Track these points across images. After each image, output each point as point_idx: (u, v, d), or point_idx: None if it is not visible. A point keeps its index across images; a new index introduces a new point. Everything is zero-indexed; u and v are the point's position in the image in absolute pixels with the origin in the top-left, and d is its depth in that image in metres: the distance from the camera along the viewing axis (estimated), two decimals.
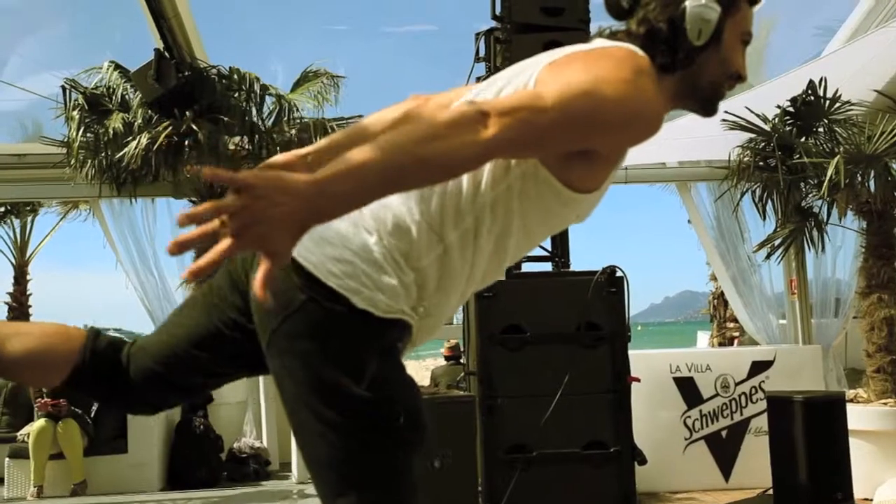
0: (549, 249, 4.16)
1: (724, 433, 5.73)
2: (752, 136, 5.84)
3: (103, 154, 6.38)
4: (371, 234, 1.46)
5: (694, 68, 1.54)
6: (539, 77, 1.46)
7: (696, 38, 1.50)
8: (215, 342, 1.63)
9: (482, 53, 3.91)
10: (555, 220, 1.58)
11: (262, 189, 1.10)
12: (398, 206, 1.47)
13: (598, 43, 1.57)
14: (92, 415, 6.35)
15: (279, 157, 1.75)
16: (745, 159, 5.98)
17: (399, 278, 1.45)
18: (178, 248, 1.09)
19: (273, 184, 1.12)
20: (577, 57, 1.49)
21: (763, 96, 5.63)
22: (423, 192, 1.47)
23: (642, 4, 1.55)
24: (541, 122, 1.32)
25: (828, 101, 5.68)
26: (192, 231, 1.09)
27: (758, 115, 5.69)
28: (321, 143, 1.77)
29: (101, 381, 1.67)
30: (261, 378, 7.00)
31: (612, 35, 1.60)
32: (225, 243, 1.09)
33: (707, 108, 1.62)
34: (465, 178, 1.47)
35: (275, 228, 1.10)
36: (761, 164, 5.94)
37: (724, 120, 5.59)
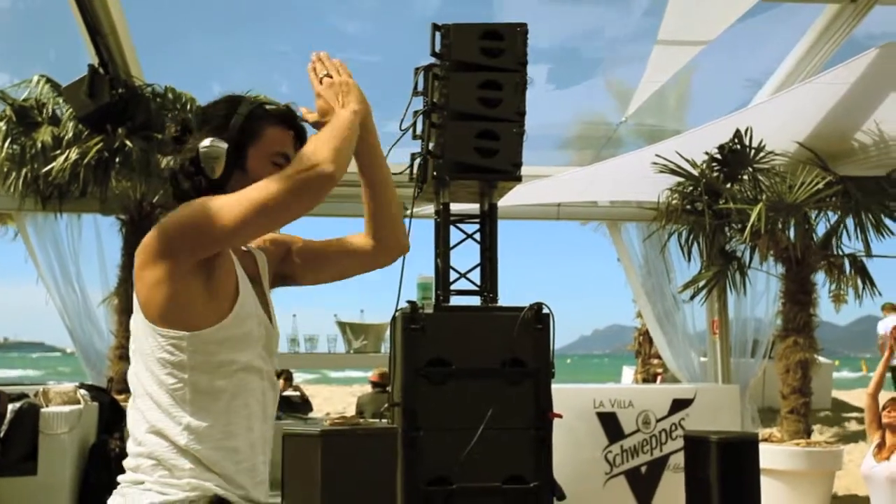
0: (478, 284, 4.19)
1: (643, 469, 5.83)
2: (681, 179, 6.00)
3: (29, 167, 6.23)
4: None
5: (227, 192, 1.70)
6: None
7: (213, 174, 1.73)
8: None
9: (420, 88, 3.94)
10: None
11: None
12: None
13: None
14: (1, 435, 6.12)
15: None
16: (674, 202, 6.13)
17: None
18: None
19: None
20: None
21: (694, 141, 5.78)
22: None
23: (178, 164, 1.78)
24: None
25: (753, 150, 5.88)
26: None
27: (687, 160, 5.84)
28: None
29: None
30: None
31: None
32: None
33: None
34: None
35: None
36: (689, 207, 6.09)
37: (654, 163, 5.72)
